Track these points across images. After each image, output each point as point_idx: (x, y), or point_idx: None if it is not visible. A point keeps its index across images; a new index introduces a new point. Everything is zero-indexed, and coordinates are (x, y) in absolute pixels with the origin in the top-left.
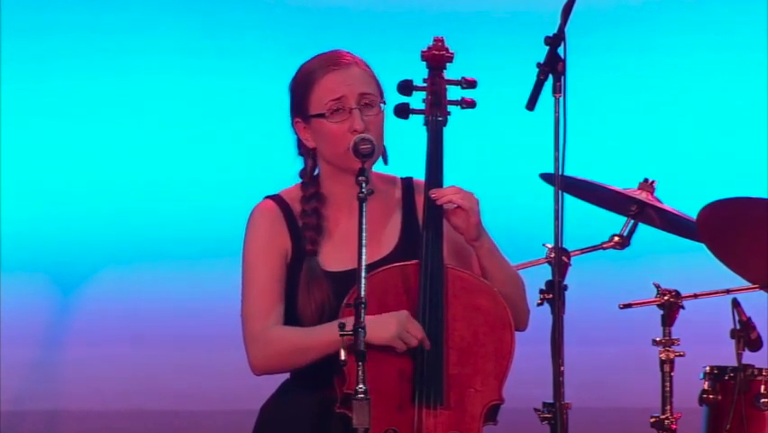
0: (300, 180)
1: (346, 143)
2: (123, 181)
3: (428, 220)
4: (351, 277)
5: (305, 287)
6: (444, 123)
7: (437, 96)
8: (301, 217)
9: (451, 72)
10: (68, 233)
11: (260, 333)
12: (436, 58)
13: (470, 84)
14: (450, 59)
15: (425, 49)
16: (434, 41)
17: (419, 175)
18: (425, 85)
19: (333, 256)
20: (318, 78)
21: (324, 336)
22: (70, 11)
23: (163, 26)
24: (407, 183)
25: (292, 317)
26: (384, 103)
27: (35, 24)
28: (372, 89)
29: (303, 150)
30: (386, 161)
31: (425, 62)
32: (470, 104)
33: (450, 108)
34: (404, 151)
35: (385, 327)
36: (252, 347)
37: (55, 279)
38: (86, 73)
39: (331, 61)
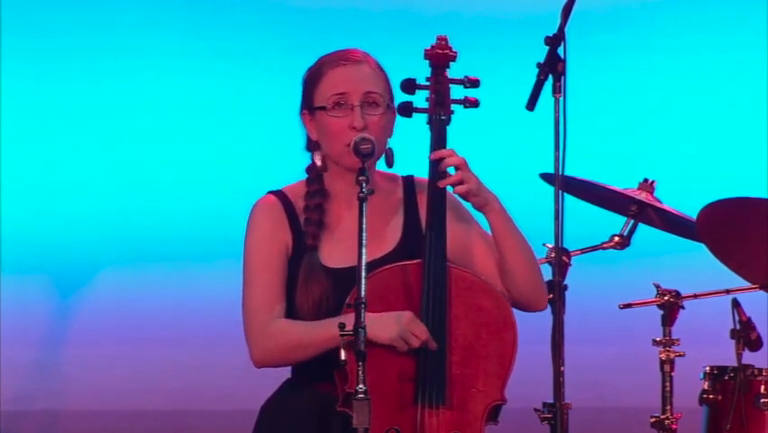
0: (305, 177)
1: (344, 140)
2: (123, 182)
3: (432, 220)
4: (350, 273)
5: (303, 281)
6: (448, 121)
7: (441, 95)
8: (303, 212)
9: (453, 72)
10: (67, 233)
11: (261, 327)
12: (440, 56)
13: (474, 83)
14: (453, 57)
15: (428, 48)
16: (438, 39)
17: (423, 173)
18: (428, 83)
19: (334, 252)
20: (326, 72)
21: (325, 331)
22: (70, 11)
23: (163, 27)
24: (409, 181)
25: (290, 310)
26: (392, 105)
27: (35, 24)
28: (379, 89)
29: (310, 145)
30: (390, 164)
31: (428, 61)
32: (474, 103)
33: (452, 107)
34: (407, 149)
35: (385, 326)
36: (253, 341)
37: (55, 279)
38: (87, 73)
39: (341, 57)
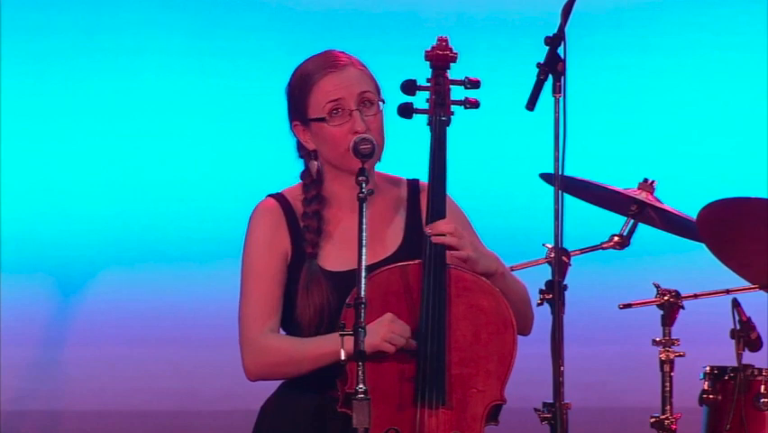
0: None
1: (345, 145)
2: (123, 182)
3: (431, 220)
4: (351, 277)
5: (304, 288)
6: (448, 123)
7: (441, 96)
8: (302, 219)
9: (453, 73)
10: (68, 234)
11: (255, 340)
12: (440, 57)
13: (474, 84)
14: (454, 59)
15: (428, 49)
16: (438, 40)
17: (423, 175)
18: (428, 84)
19: (334, 256)
20: (316, 82)
21: (318, 348)
22: (70, 11)
23: (163, 26)
24: (413, 185)
25: (291, 318)
26: (383, 101)
27: (35, 24)
28: (370, 87)
29: (303, 152)
30: (378, 158)
31: (428, 62)
32: (474, 104)
33: (453, 108)
34: (407, 150)
35: (369, 334)
36: (247, 354)
37: (55, 280)
38: (87, 73)
39: (327, 63)
